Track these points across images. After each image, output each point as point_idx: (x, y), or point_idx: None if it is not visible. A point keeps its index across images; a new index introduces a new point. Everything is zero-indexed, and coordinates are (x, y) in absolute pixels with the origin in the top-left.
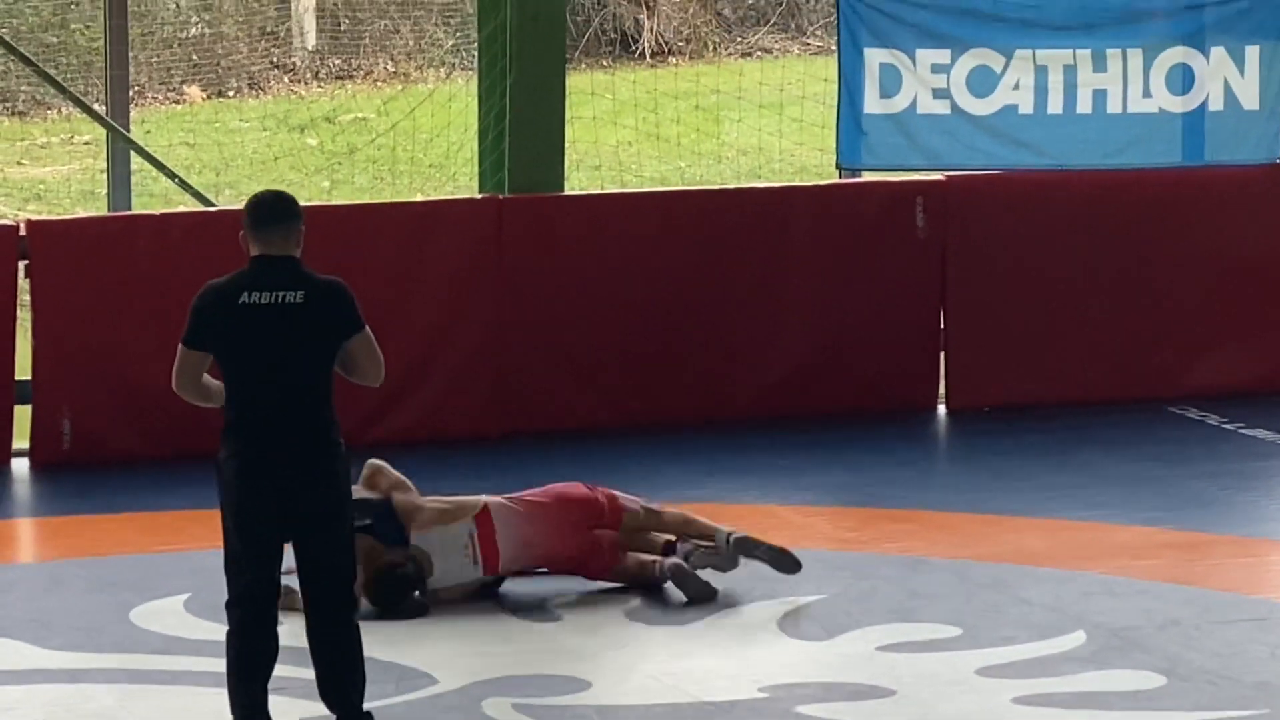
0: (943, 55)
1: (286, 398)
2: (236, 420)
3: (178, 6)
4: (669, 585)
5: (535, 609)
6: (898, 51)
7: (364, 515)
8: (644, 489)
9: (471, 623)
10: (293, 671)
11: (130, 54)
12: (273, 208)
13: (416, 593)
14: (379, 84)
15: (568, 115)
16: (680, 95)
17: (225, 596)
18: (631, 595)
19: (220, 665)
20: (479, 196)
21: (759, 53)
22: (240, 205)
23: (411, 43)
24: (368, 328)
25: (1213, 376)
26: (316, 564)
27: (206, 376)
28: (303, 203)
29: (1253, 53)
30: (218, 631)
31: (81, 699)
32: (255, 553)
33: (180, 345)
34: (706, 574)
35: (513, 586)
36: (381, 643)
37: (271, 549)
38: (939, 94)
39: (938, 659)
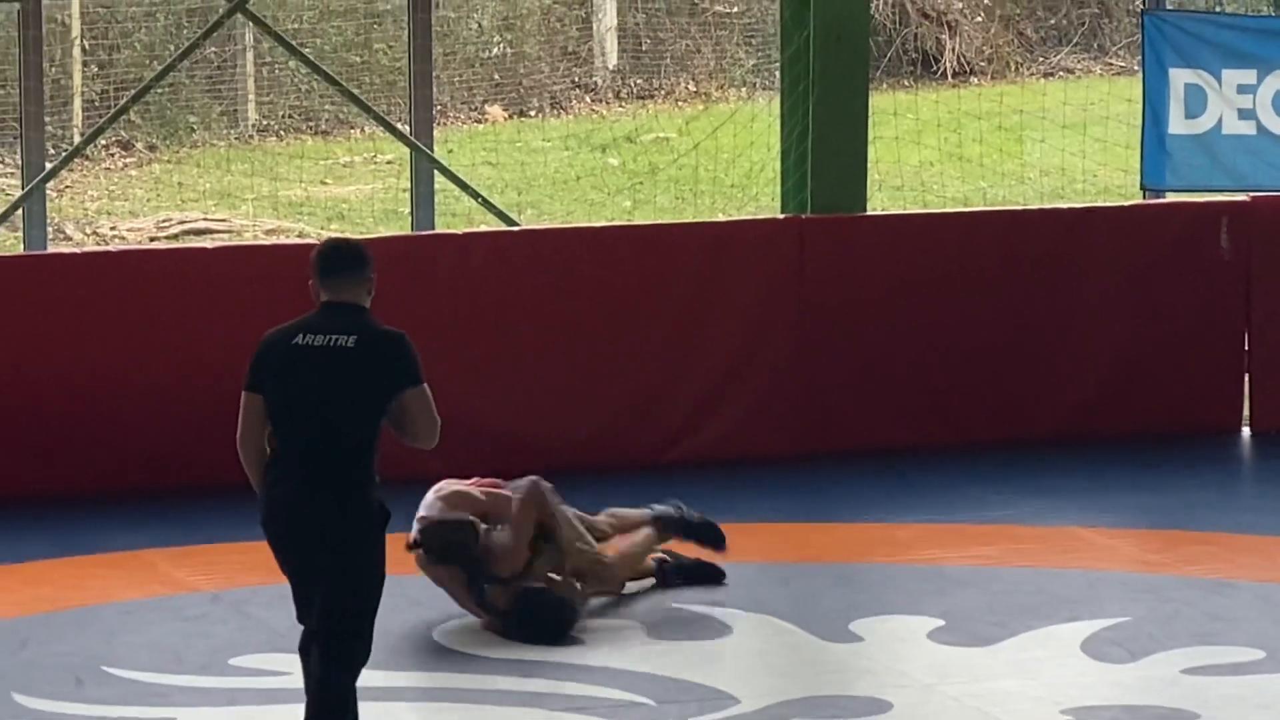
0: (1249, 76)
1: (322, 443)
2: (273, 461)
3: (480, 27)
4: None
5: (835, 630)
6: (1203, 72)
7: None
8: (944, 509)
9: (771, 643)
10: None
11: (433, 74)
12: (337, 257)
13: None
14: (680, 104)
15: (870, 135)
16: (982, 115)
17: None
18: (933, 618)
19: (518, 685)
20: (781, 216)
21: (1061, 73)
22: (542, 225)
23: (713, 63)
24: (426, 385)
25: None
26: (320, 615)
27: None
28: (604, 223)
29: None
30: (517, 650)
31: (386, 718)
32: (293, 589)
33: (242, 395)
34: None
35: (810, 607)
36: (682, 663)
37: (301, 589)
38: (1244, 114)
39: (1243, 682)
